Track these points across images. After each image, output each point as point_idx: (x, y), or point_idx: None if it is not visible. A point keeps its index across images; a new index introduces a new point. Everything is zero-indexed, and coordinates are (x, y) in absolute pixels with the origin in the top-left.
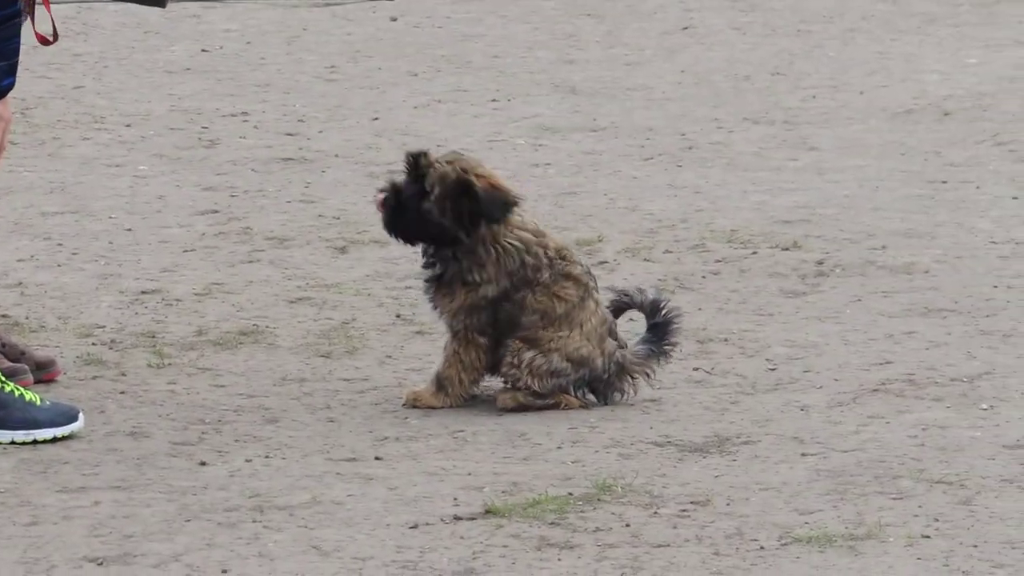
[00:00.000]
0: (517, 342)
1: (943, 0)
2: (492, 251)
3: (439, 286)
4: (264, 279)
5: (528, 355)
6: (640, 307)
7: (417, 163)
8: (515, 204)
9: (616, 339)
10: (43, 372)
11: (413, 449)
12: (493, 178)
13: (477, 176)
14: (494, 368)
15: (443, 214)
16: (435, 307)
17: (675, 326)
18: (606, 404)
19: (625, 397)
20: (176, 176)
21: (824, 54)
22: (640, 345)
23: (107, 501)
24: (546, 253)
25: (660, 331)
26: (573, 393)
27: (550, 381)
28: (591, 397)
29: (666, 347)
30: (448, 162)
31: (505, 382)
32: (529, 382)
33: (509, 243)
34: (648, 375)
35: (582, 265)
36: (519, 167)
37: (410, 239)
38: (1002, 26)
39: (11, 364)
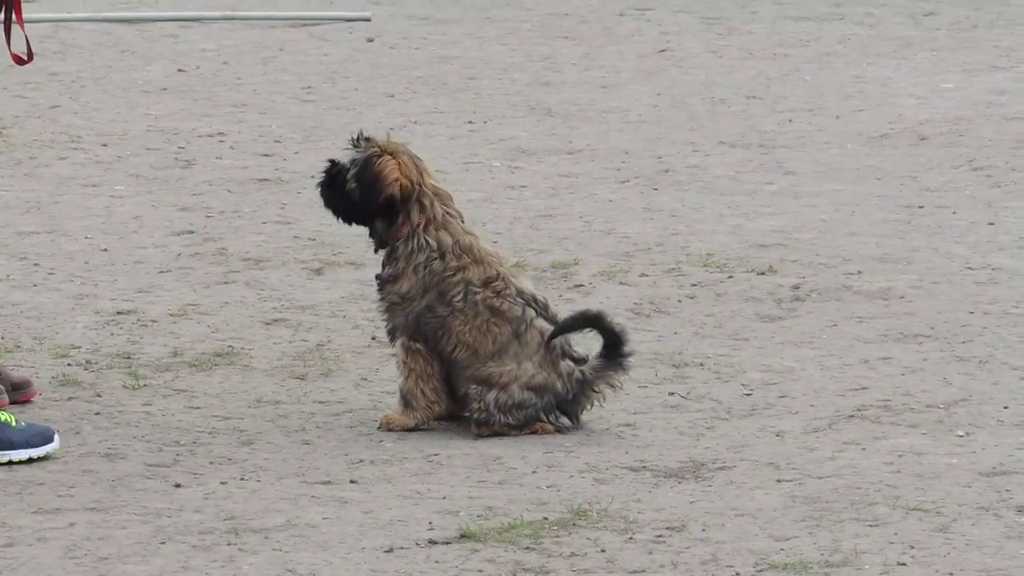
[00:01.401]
0: (474, 386)
1: (920, 25)
2: (408, 245)
3: (379, 287)
4: (239, 300)
5: (491, 396)
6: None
7: (357, 143)
8: (387, 198)
9: (572, 358)
10: (19, 393)
11: (388, 472)
12: (390, 168)
13: (384, 158)
14: (460, 403)
15: (356, 191)
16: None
17: (625, 344)
18: (578, 424)
19: (592, 408)
20: (152, 196)
21: (801, 78)
22: (598, 360)
23: (82, 523)
24: (463, 273)
25: (613, 347)
26: (545, 418)
27: (520, 413)
28: (564, 420)
29: (620, 359)
30: (377, 144)
31: (478, 424)
32: (501, 419)
33: (425, 239)
34: (612, 387)
35: (516, 299)
36: (495, 189)
37: (336, 215)
38: (978, 51)
39: None
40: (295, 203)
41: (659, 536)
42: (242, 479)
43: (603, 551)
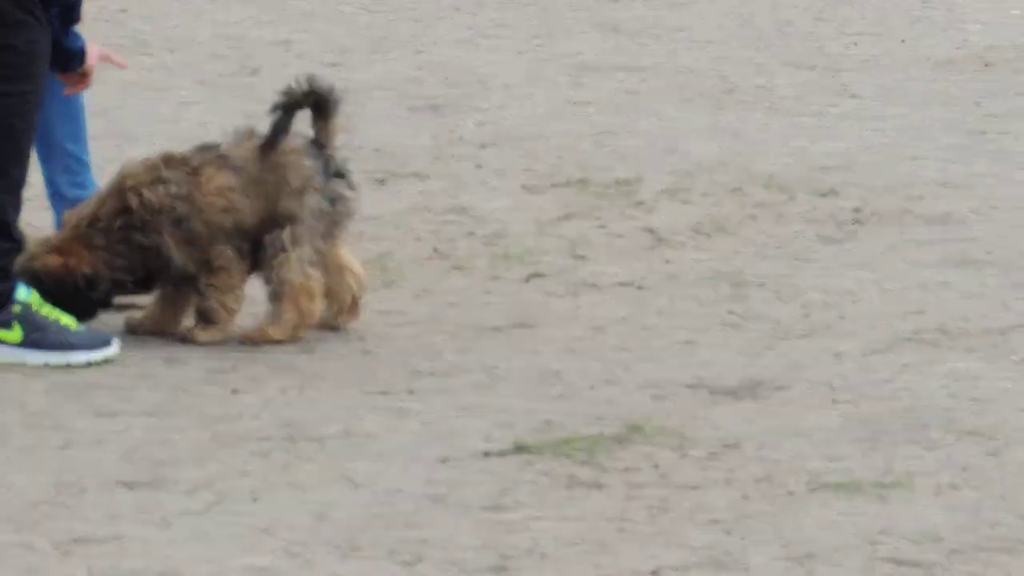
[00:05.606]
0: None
1: None
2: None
3: None
4: None
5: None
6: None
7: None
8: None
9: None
10: None
11: (447, 384)
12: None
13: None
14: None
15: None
16: None
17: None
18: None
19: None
20: (218, 103)
21: (867, 1)
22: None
23: (140, 427)
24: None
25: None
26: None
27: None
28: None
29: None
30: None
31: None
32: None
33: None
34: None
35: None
36: (559, 105)
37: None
38: None
39: None
40: (360, 114)
41: (714, 453)
42: (301, 387)
43: (657, 467)
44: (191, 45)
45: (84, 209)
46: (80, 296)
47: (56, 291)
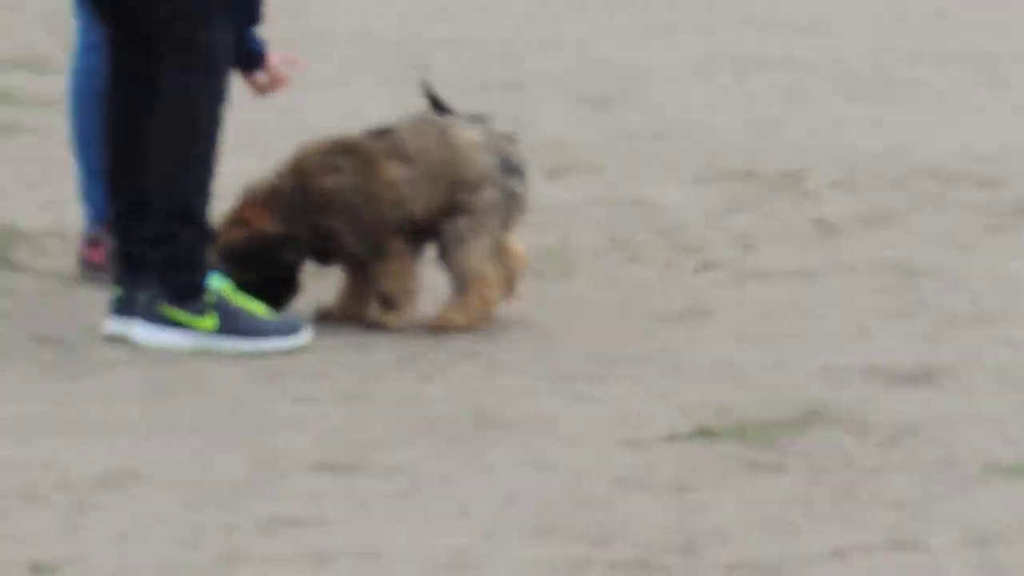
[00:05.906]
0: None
1: None
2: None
3: None
4: None
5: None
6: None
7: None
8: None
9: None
10: None
11: (626, 370)
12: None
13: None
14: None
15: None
16: None
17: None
18: None
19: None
20: (393, 98)
21: None
22: None
23: (335, 412)
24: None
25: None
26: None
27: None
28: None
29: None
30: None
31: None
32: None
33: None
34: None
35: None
36: (723, 98)
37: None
38: None
39: None
40: (531, 108)
41: (893, 438)
42: (487, 373)
43: (838, 450)
44: (369, 39)
45: (261, 183)
46: (274, 263)
47: (249, 262)
